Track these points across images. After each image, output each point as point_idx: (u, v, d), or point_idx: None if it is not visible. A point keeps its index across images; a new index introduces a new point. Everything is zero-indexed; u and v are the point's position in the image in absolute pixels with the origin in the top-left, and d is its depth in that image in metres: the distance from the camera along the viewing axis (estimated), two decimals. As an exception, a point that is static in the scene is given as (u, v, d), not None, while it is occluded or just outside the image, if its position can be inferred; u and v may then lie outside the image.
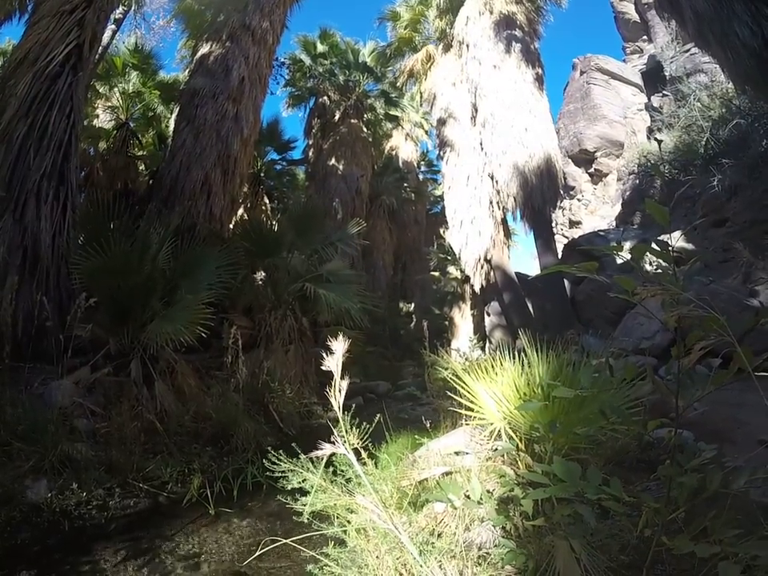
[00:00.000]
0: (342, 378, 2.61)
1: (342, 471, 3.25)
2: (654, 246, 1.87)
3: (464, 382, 3.69)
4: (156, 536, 4.22)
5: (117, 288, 6.71)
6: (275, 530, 4.40)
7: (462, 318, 19.21)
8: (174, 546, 4.09)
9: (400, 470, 3.54)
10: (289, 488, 3.14)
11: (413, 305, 24.03)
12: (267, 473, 4.24)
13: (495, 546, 2.81)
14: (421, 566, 2.50)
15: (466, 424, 4.05)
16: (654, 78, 23.07)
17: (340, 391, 2.59)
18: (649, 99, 24.53)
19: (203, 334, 6.78)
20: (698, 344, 1.81)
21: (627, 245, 16.02)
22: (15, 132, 7.43)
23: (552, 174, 13.64)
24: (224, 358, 7.37)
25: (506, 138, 13.91)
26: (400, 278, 24.08)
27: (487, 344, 15.13)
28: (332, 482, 3.21)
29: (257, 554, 3.52)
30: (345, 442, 2.69)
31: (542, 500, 2.60)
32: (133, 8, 15.68)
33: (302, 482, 3.17)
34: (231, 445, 6.14)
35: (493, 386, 3.58)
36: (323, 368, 2.61)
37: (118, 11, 12.81)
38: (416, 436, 4.18)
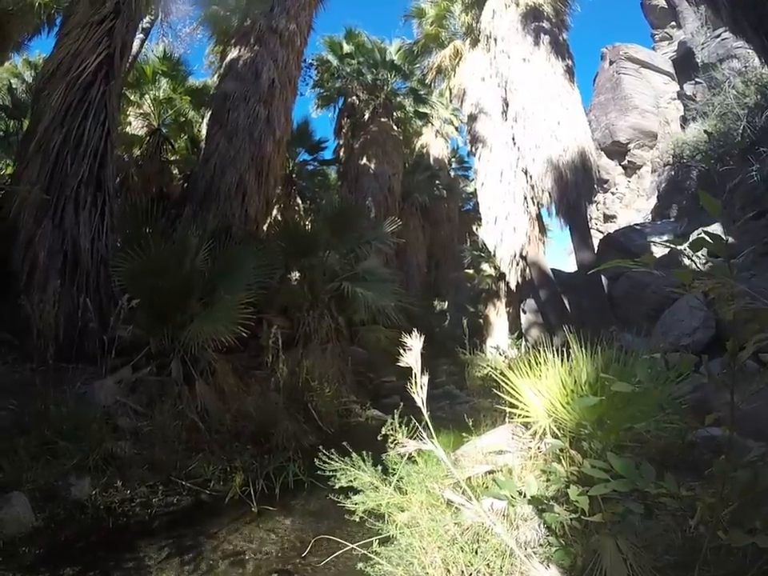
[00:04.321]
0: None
1: (394, 470, 3.23)
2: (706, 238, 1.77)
3: (509, 379, 3.61)
4: (199, 533, 4.23)
5: (156, 289, 6.77)
6: (318, 529, 4.36)
7: (497, 316, 18.98)
8: (217, 543, 4.09)
9: (442, 469, 3.46)
10: (337, 486, 3.21)
11: (446, 303, 23.89)
12: (310, 471, 4.22)
13: (540, 545, 2.77)
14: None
15: (510, 421, 3.98)
16: (685, 66, 22.52)
17: (421, 387, 2.57)
18: (681, 87, 23.98)
19: (244, 334, 6.86)
20: (754, 338, 1.72)
21: (663, 239, 15.67)
22: (51, 141, 7.55)
23: (587, 168, 13.37)
24: (262, 358, 7.40)
25: (538, 132, 13.67)
26: (433, 276, 23.91)
27: (523, 342, 14.92)
28: (383, 480, 3.19)
29: (307, 549, 3.52)
30: (432, 438, 2.67)
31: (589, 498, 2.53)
32: (159, 17, 15.87)
33: (353, 480, 3.17)
34: (271, 443, 6.15)
35: (537, 383, 3.49)
36: (403, 363, 2.61)
37: (145, 20, 12.95)
38: (462, 434, 4.13)
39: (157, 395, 6.23)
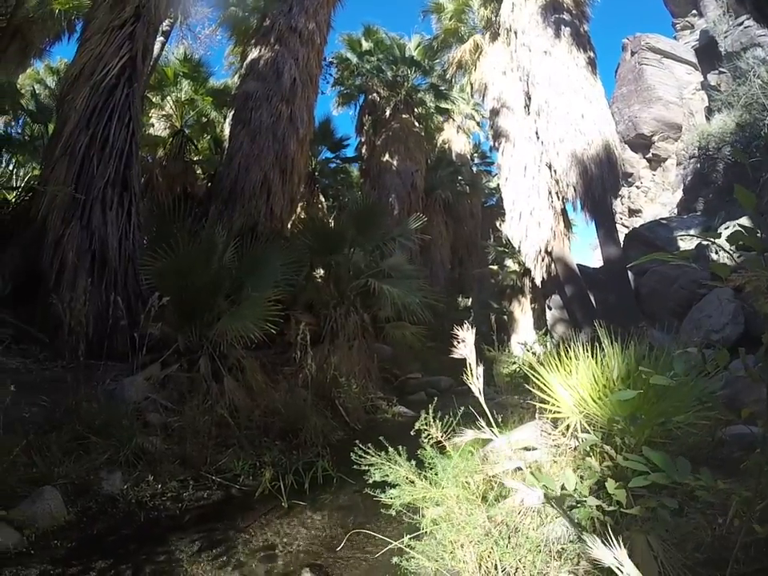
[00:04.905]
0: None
1: (430, 464, 3.24)
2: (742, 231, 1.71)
3: (539, 375, 3.56)
4: (230, 527, 4.25)
5: (184, 287, 6.83)
6: (348, 523, 4.40)
7: (522, 312, 18.81)
8: (248, 537, 4.10)
9: (472, 465, 3.44)
10: (371, 481, 3.18)
11: (470, 299, 23.76)
12: (338, 467, 4.21)
13: (570, 541, 2.74)
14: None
15: (540, 417, 3.93)
16: (708, 55, 22.09)
17: (478, 378, 2.57)
18: (705, 77, 23.55)
19: (273, 331, 6.89)
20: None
21: (691, 233, 15.42)
22: (78, 143, 7.68)
23: (612, 162, 13.22)
24: (289, 354, 7.43)
25: (562, 126, 13.55)
26: (457, 272, 23.83)
27: (548, 338, 14.78)
28: (419, 474, 3.19)
29: (342, 543, 3.51)
30: (492, 427, 2.67)
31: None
32: (179, 20, 16.03)
33: (387, 475, 3.17)
34: (299, 439, 6.18)
35: (568, 379, 3.44)
36: (458, 355, 2.63)
37: (164, 24, 13.06)
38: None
39: (186, 391, 6.30)
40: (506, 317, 19.45)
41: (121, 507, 4.34)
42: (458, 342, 2.61)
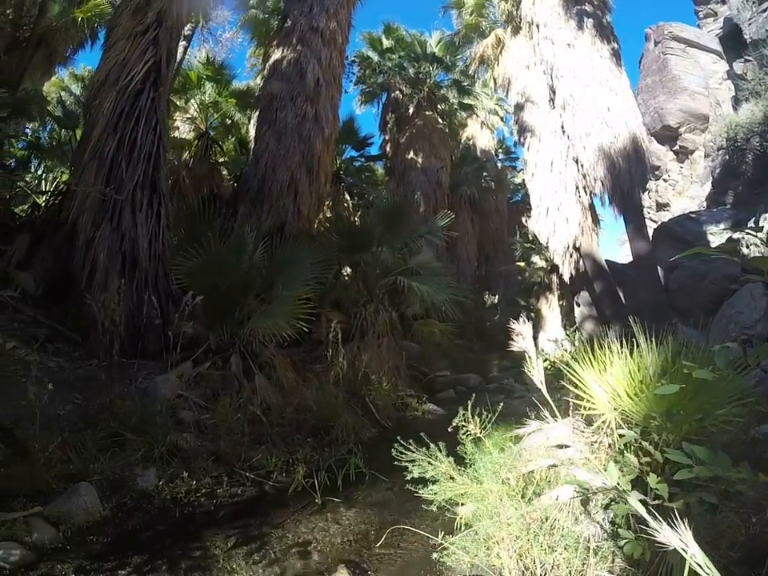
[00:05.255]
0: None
1: (470, 460, 3.34)
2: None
3: (574, 372, 3.51)
4: (264, 524, 4.26)
5: (215, 286, 6.94)
6: (382, 520, 4.41)
7: (550, 309, 18.61)
8: (283, 533, 4.11)
9: (510, 461, 3.46)
10: (408, 477, 3.26)
11: (497, 297, 23.62)
12: (370, 464, 4.19)
13: (604, 539, 2.78)
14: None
15: (573, 415, 3.90)
16: (733, 43, 21.54)
17: (538, 370, 2.61)
18: (730, 66, 23.00)
19: (304, 329, 7.00)
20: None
21: (721, 227, 15.17)
22: (106, 147, 7.77)
23: (639, 155, 13.06)
24: (318, 352, 7.49)
25: (588, 119, 13.41)
26: (484, 269, 23.73)
27: (577, 335, 14.62)
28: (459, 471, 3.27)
29: (382, 539, 3.50)
30: (555, 418, 2.70)
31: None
32: (200, 23, 16.18)
33: (426, 471, 3.26)
34: (331, 436, 6.23)
35: (603, 375, 3.39)
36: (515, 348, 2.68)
37: (186, 28, 13.21)
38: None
39: (218, 389, 6.37)
40: (533, 314, 19.29)
41: (156, 503, 4.38)
42: (516, 335, 2.64)
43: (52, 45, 12.62)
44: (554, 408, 2.64)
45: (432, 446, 3.30)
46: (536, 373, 2.56)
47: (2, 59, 9.98)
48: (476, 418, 3.29)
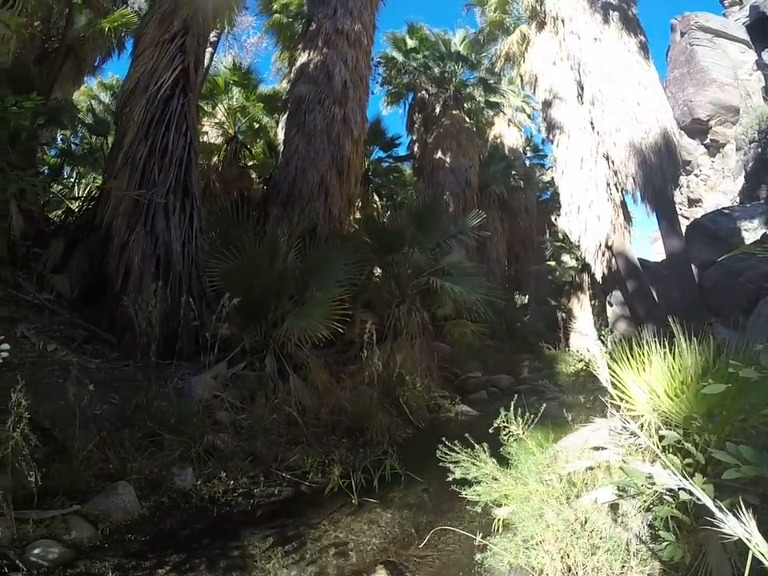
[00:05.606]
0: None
1: (514, 462, 3.33)
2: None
3: (614, 373, 3.43)
4: (301, 524, 4.28)
5: (250, 288, 6.98)
6: (418, 521, 4.39)
7: (581, 309, 18.36)
8: (320, 533, 4.12)
9: (551, 462, 3.44)
10: (450, 478, 3.26)
11: (527, 297, 23.41)
12: (406, 465, 4.17)
13: (642, 542, 2.76)
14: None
15: (610, 416, 3.85)
16: (760, 31, 21.04)
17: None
18: (759, 56, 22.47)
19: (340, 330, 7.05)
20: None
21: (755, 223, 14.81)
22: (138, 153, 7.89)
23: (671, 150, 12.83)
24: (351, 353, 7.50)
25: (617, 115, 13.20)
26: (514, 268, 23.51)
27: (609, 335, 14.40)
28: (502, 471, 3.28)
29: (425, 540, 3.47)
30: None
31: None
32: (225, 30, 16.35)
33: (468, 472, 3.26)
34: (366, 437, 6.23)
35: (642, 376, 3.33)
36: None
37: (211, 34, 13.34)
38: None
39: (254, 390, 6.43)
40: (564, 314, 19.07)
41: (193, 502, 4.43)
42: (574, 332, 2.63)
43: (80, 55, 12.83)
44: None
45: (477, 446, 3.29)
46: (601, 372, 2.53)
47: (33, 70, 10.16)
48: (518, 418, 3.27)
